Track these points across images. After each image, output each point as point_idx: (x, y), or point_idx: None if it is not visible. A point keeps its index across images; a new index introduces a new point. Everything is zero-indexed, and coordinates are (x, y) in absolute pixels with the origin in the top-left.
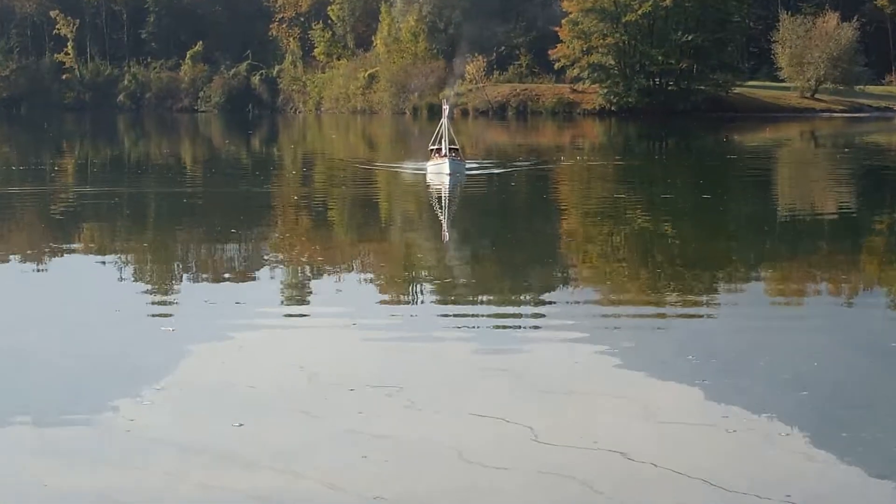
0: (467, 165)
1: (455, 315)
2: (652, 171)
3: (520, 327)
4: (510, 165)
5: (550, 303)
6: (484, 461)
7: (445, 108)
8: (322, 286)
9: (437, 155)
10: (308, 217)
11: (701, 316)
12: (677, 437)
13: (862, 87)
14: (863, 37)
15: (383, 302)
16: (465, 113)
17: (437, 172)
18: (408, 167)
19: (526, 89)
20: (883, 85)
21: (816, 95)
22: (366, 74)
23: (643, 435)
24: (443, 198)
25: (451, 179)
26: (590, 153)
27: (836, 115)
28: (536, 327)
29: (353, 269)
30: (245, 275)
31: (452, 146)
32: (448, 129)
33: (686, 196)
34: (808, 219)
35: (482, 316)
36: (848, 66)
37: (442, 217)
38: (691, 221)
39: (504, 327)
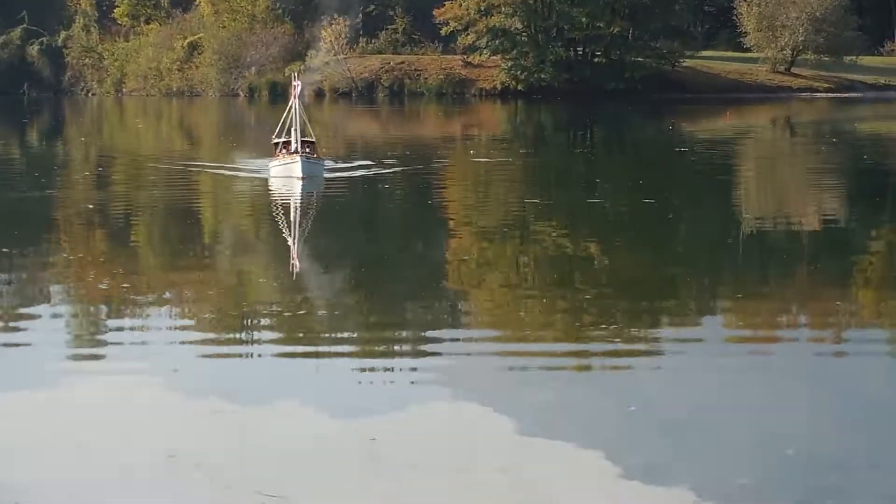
0: (326, 165)
1: (300, 368)
2: (574, 170)
3: (392, 382)
4: (382, 165)
5: (433, 350)
6: None
7: (297, 87)
8: (124, 327)
9: (284, 151)
10: (105, 234)
11: (637, 364)
12: None
13: (853, 58)
14: None
15: (204, 354)
16: (319, 94)
17: (285, 175)
18: (243, 168)
19: (403, 63)
20: (881, 55)
21: (793, 69)
22: (185, 43)
23: None
24: (292, 209)
25: (304, 185)
26: (489, 147)
27: (819, 94)
28: (413, 382)
29: (165, 304)
30: (18, 311)
31: (306, 139)
32: (300, 117)
33: (620, 201)
34: (780, 233)
35: (340, 369)
36: (835, 31)
37: (290, 236)
38: (627, 235)
39: (369, 382)
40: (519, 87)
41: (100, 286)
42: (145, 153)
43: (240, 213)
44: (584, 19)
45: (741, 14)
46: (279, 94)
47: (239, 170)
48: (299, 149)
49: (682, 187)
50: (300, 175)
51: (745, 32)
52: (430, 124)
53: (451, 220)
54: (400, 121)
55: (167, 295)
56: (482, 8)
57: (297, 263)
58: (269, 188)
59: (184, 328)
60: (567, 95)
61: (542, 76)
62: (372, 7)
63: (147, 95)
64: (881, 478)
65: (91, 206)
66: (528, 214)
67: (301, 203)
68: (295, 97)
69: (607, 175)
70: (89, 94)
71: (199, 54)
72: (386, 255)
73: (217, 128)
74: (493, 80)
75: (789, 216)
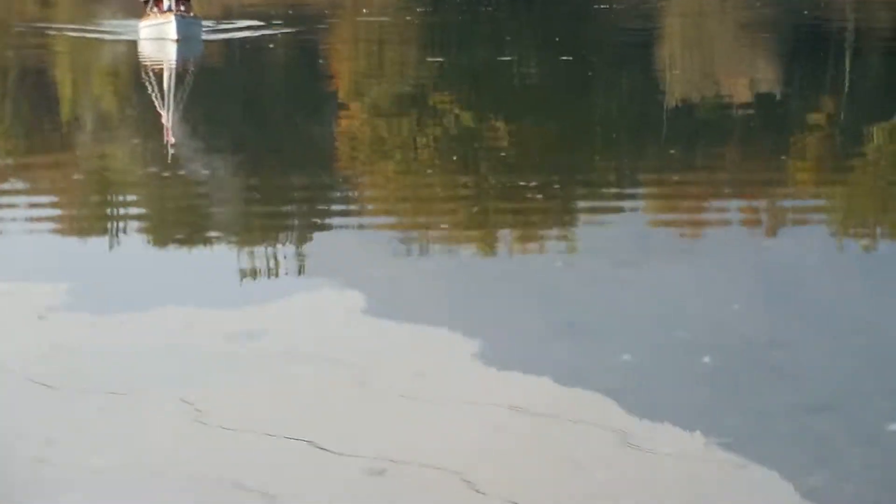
0: (203, 25)
1: (176, 261)
2: (480, 28)
3: (277, 274)
4: (268, 25)
5: (318, 232)
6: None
7: None
8: None
9: (155, 10)
10: None
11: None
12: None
13: None
14: None
15: (64, 251)
16: None
17: (157, 37)
18: (107, 30)
19: None
20: None
21: None
22: None
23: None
24: (165, 78)
25: (178, 48)
26: (381, 5)
27: None
28: (292, 273)
29: (17, 195)
30: None
31: None
32: None
33: (533, 60)
34: (709, 101)
35: (222, 260)
36: None
37: (162, 110)
38: (541, 99)
39: (248, 273)
40: None
41: None
42: None
43: (104, 84)
44: None
45: None
46: None
47: (102, 32)
48: (173, 6)
49: (601, 46)
50: (174, 37)
51: None
52: None
53: (345, 88)
54: None
55: (18, 184)
56: None
57: (171, 143)
58: (139, 52)
59: (39, 219)
60: None
61: None
62: None
63: None
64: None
65: None
66: (430, 77)
67: (175, 70)
68: None
69: (517, 33)
70: None
71: None
72: (267, 134)
73: None
74: None
75: (719, 82)
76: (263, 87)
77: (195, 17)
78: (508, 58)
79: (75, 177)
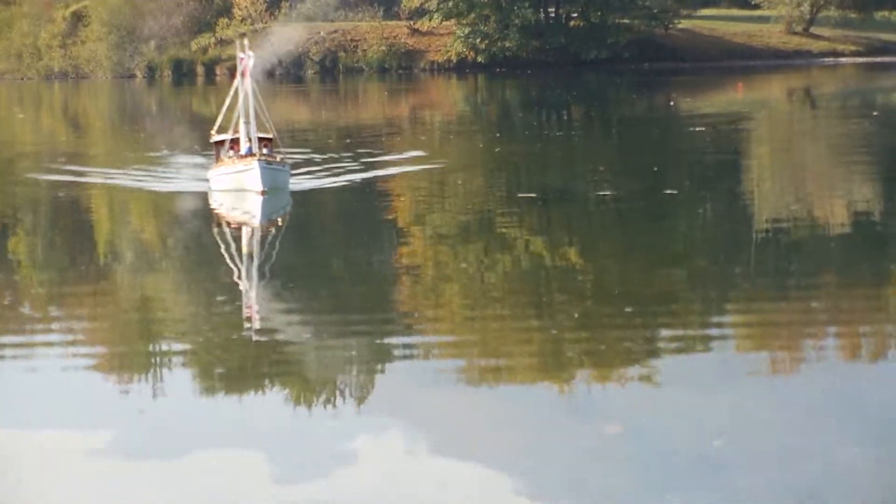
0: (292, 172)
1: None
2: (567, 157)
3: (336, 413)
4: (347, 169)
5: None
6: None
7: (247, 60)
8: None
9: (232, 154)
10: None
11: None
12: None
13: (885, 13)
14: None
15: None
16: (234, 73)
17: (236, 188)
18: (162, 174)
19: (336, 31)
20: None
21: (813, 29)
22: (67, 14)
23: None
24: (253, 252)
25: (264, 202)
26: (451, 132)
27: (844, 59)
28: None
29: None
30: None
31: (263, 135)
32: (255, 102)
33: (636, 193)
34: (801, 231)
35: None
36: None
37: (252, 308)
38: (654, 237)
39: (303, 412)
40: (478, 59)
41: None
42: (24, 159)
43: (168, 264)
44: None
45: None
46: (184, 73)
47: (159, 178)
48: (255, 149)
49: (704, 175)
50: (259, 188)
51: None
52: (377, 107)
53: (448, 237)
54: (334, 104)
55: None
56: None
57: (254, 316)
58: (212, 208)
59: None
60: (537, 67)
61: (507, 44)
62: None
63: (22, 79)
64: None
65: None
66: (526, 214)
67: (264, 238)
68: (245, 76)
69: (609, 162)
70: None
71: (85, 27)
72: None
73: (115, 119)
74: (447, 51)
75: (813, 210)
76: (359, 248)
77: (282, 161)
78: (609, 192)
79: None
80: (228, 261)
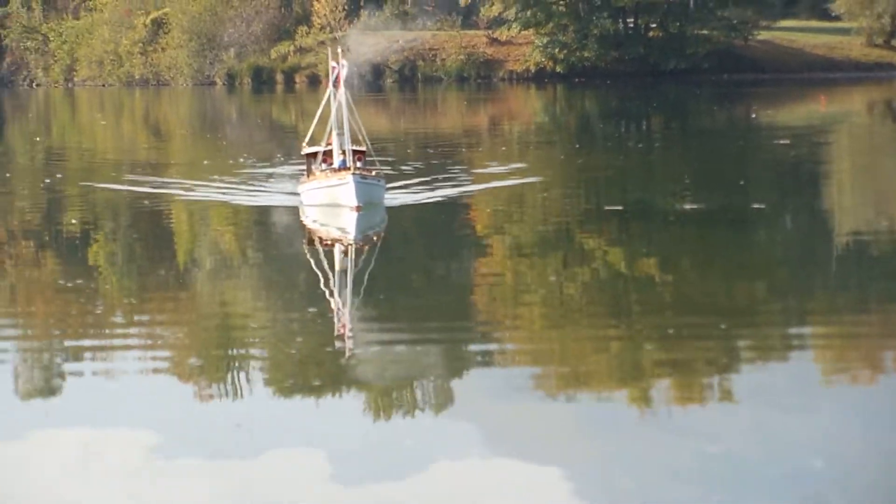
0: (387, 187)
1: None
2: (651, 170)
3: (414, 418)
4: (430, 179)
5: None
6: None
7: (340, 69)
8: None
9: (324, 166)
10: (57, 266)
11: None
12: None
13: None
14: None
15: None
16: (313, 81)
17: (329, 203)
18: (249, 188)
19: (415, 40)
20: None
21: (894, 41)
22: (148, 21)
23: None
24: (347, 272)
25: (359, 218)
26: (521, 136)
27: None
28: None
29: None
30: None
31: (357, 148)
32: (347, 114)
33: (723, 207)
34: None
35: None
36: None
37: (337, 302)
38: (749, 253)
39: (382, 419)
40: (557, 69)
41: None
42: (107, 168)
43: (259, 280)
44: None
45: None
46: (264, 81)
47: (244, 191)
48: (349, 162)
49: (791, 188)
50: (354, 204)
51: None
52: (456, 117)
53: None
54: (413, 112)
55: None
56: None
57: (348, 336)
58: (304, 224)
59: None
60: (616, 77)
61: (586, 54)
62: None
63: (104, 85)
64: None
65: (38, 230)
66: (612, 227)
67: (358, 255)
68: (338, 86)
69: (694, 175)
70: (33, 85)
71: (165, 34)
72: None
73: (196, 126)
74: (526, 61)
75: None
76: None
77: (377, 176)
78: (696, 206)
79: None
80: (321, 278)
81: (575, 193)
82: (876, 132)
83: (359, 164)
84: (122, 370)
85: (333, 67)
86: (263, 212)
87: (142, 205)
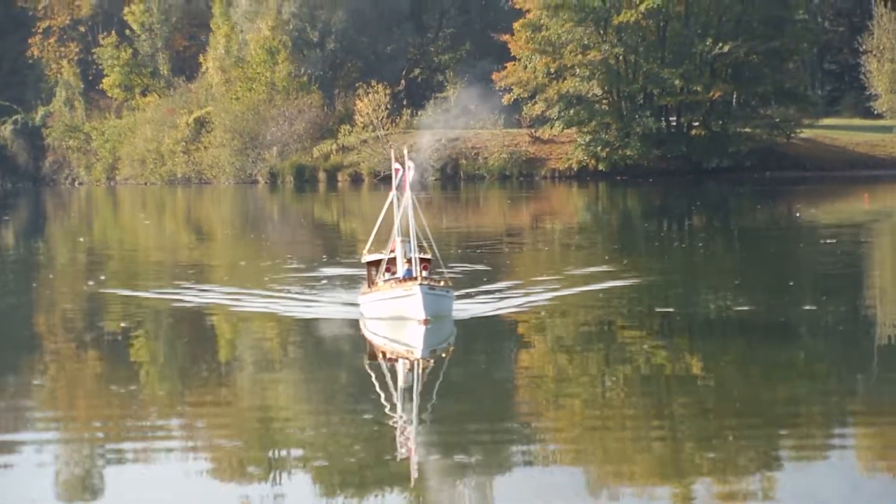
0: (455, 297)
1: None
2: (701, 271)
3: None
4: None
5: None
6: None
7: (406, 171)
8: None
9: (388, 276)
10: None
11: None
12: None
13: None
14: None
15: None
16: (356, 179)
17: (394, 316)
18: (302, 298)
19: (457, 139)
20: None
21: None
22: (191, 120)
23: None
24: (414, 391)
25: (427, 332)
26: (566, 243)
27: None
28: None
29: None
30: None
31: (423, 256)
32: (414, 217)
33: (774, 309)
34: None
35: None
36: None
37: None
38: (805, 356)
39: None
40: (599, 167)
41: None
42: (149, 272)
43: (321, 401)
44: (677, 82)
45: (870, 72)
46: (306, 179)
47: (299, 300)
48: (415, 271)
49: (843, 290)
50: (422, 317)
51: (875, 95)
52: (489, 216)
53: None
54: (456, 213)
55: None
56: (552, 70)
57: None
58: (365, 338)
59: None
60: (658, 175)
61: (628, 152)
62: (418, 71)
63: (146, 184)
64: None
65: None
66: (665, 330)
67: (424, 371)
68: (404, 188)
69: (744, 275)
70: (75, 184)
71: (207, 132)
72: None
73: (238, 226)
74: (568, 159)
75: None
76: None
77: (446, 286)
78: (746, 307)
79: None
80: (384, 397)
81: (629, 296)
82: None
83: (425, 274)
84: None
85: (396, 169)
86: (321, 325)
87: (190, 320)
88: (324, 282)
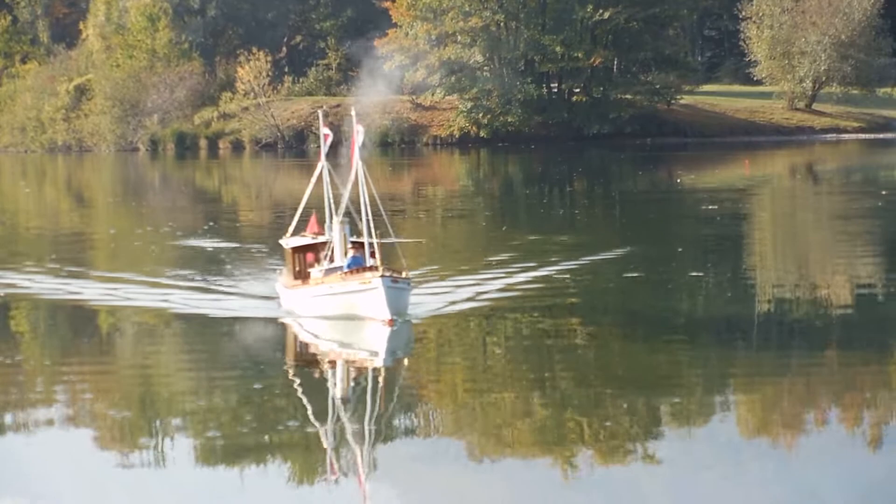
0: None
1: None
2: (578, 237)
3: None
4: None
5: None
6: None
7: (357, 135)
8: None
9: (327, 265)
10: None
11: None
12: None
13: (888, 90)
14: (889, 8)
15: None
16: (237, 147)
17: (346, 313)
18: (207, 287)
19: (338, 106)
20: None
21: (815, 106)
22: (71, 87)
23: None
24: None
25: (390, 335)
26: (445, 206)
27: (847, 136)
28: None
29: None
30: None
31: (354, 239)
32: (366, 192)
33: (663, 274)
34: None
35: None
36: (864, 58)
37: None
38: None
39: None
40: (481, 134)
41: None
42: (24, 228)
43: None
44: (558, 48)
45: (750, 39)
46: (187, 146)
47: (203, 290)
48: (375, 256)
49: (727, 256)
50: (387, 317)
51: (755, 61)
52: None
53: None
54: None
55: None
56: (433, 37)
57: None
58: (307, 343)
59: None
60: (540, 142)
61: (509, 119)
62: (300, 38)
63: (26, 152)
64: None
65: None
66: (547, 299)
67: (383, 379)
68: (353, 155)
69: (628, 242)
70: None
71: (88, 100)
72: None
73: (126, 196)
74: (450, 126)
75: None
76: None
77: (406, 278)
78: (636, 274)
79: None
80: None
81: (510, 265)
82: (798, 195)
83: (372, 262)
84: None
85: (326, 136)
86: (239, 327)
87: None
88: (221, 268)
